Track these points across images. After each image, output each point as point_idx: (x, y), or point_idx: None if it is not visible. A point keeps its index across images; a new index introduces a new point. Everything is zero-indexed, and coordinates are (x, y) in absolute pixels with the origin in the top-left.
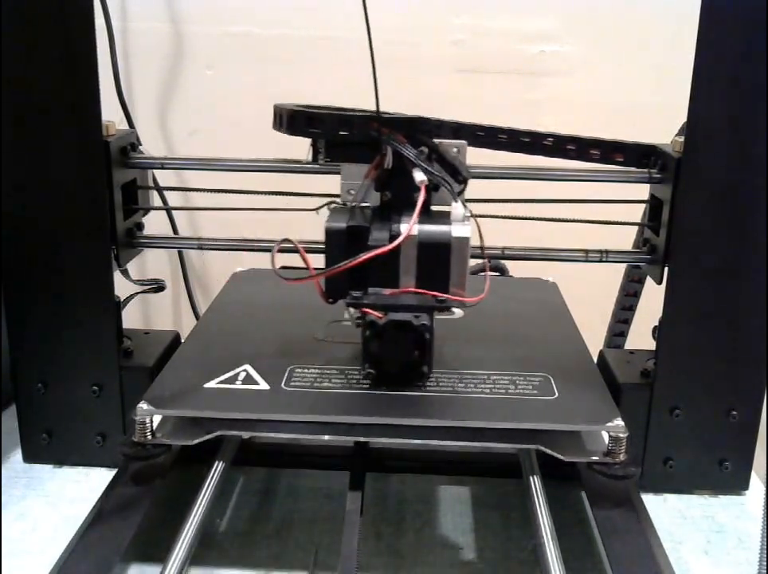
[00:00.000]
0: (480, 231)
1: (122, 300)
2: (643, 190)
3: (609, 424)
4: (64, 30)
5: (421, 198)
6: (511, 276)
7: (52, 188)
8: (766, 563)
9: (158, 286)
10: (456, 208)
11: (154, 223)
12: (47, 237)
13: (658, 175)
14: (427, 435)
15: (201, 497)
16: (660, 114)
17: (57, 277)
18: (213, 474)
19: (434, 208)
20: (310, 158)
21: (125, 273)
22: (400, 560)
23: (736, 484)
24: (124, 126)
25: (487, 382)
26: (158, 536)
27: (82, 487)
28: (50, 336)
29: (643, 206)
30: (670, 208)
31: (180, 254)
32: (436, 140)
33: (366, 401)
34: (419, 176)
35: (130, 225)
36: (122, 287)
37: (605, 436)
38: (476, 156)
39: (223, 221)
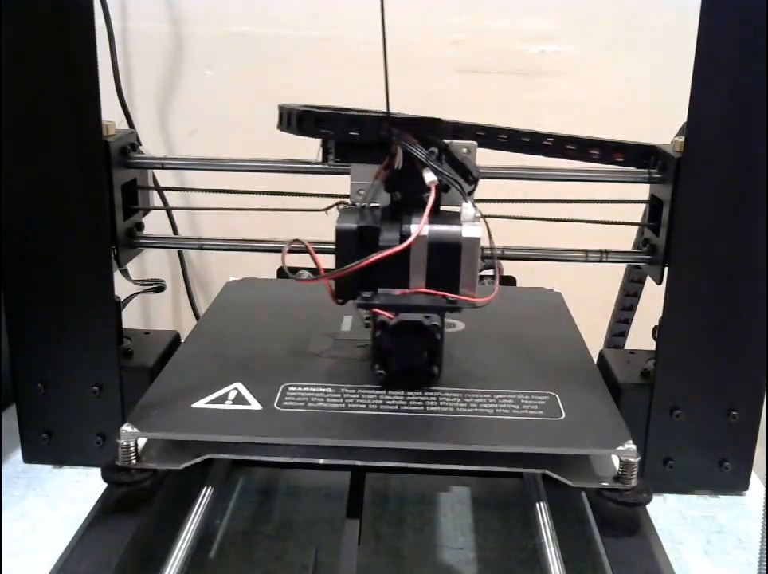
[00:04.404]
0: (489, 232)
1: (122, 300)
2: (643, 190)
3: (620, 448)
4: (64, 30)
5: (431, 198)
6: (511, 276)
7: (52, 188)
8: (766, 563)
9: (158, 286)
10: (467, 208)
11: (155, 223)
12: (47, 237)
13: (658, 175)
14: (428, 459)
15: (201, 497)
16: (659, 114)
17: (57, 277)
18: (213, 474)
19: (444, 208)
20: (320, 158)
21: (125, 273)
22: (400, 561)
23: (736, 484)
24: (124, 126)
25: (491, 401)
26: (158, 535)
27: (82, 487)
28: (50, 336)
29: (643, 206)
30: (670, 208)
31: (180, 254)
32: (446, 141)
33: (363, 423)
34: (429, 177)
35: (130, 225)
36: (122, 287)
37: (615, 460)
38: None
39: (223, 221)
